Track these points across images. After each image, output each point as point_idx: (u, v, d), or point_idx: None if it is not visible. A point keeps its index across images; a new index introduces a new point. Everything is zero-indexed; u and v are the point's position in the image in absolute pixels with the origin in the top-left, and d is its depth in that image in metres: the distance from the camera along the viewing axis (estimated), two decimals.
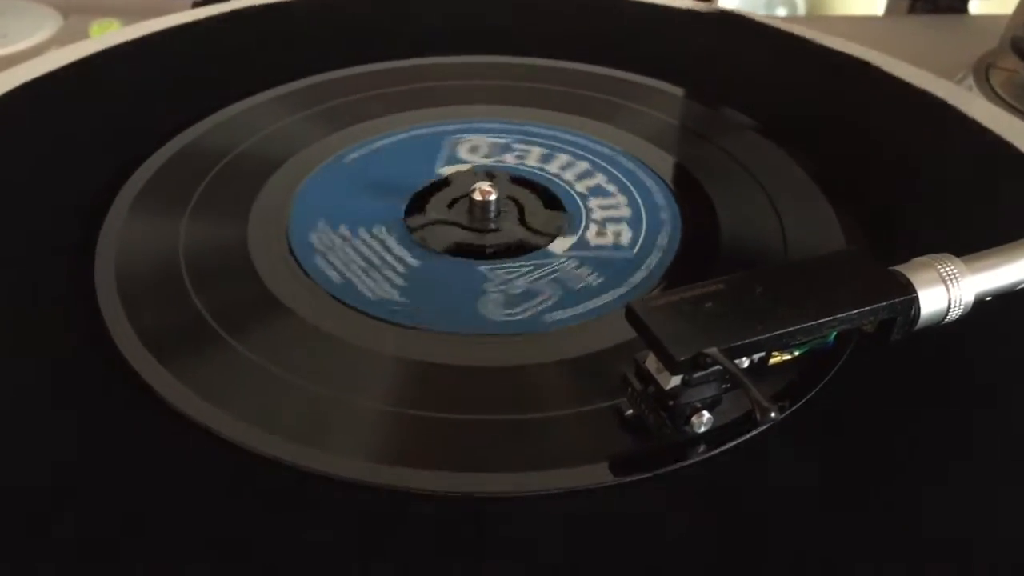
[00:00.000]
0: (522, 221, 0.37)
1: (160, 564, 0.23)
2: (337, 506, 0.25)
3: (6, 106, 0.42)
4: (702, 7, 0.56)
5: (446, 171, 0.40)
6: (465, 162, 0.41)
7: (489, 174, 0.39)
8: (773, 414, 0.23)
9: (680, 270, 0.35)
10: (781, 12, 1.13)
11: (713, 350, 0.24)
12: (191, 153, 0.40)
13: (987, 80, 0.51)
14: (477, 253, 0.35)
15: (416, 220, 0.37)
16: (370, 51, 0.49)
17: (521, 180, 0.39)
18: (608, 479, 0.26)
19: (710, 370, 0.25)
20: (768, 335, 0.25)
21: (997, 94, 0.50)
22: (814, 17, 0.81)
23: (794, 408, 0.28)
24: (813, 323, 0.26)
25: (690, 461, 0.26)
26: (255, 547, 0.24)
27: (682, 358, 0.24)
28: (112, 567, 0.23)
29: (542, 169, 0.40)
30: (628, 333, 0.26)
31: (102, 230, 0.35)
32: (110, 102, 0.43)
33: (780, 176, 0.40)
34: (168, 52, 0.48)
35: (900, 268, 0.28)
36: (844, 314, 0.26)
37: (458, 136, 0.43)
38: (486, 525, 0.25)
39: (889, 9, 0.98)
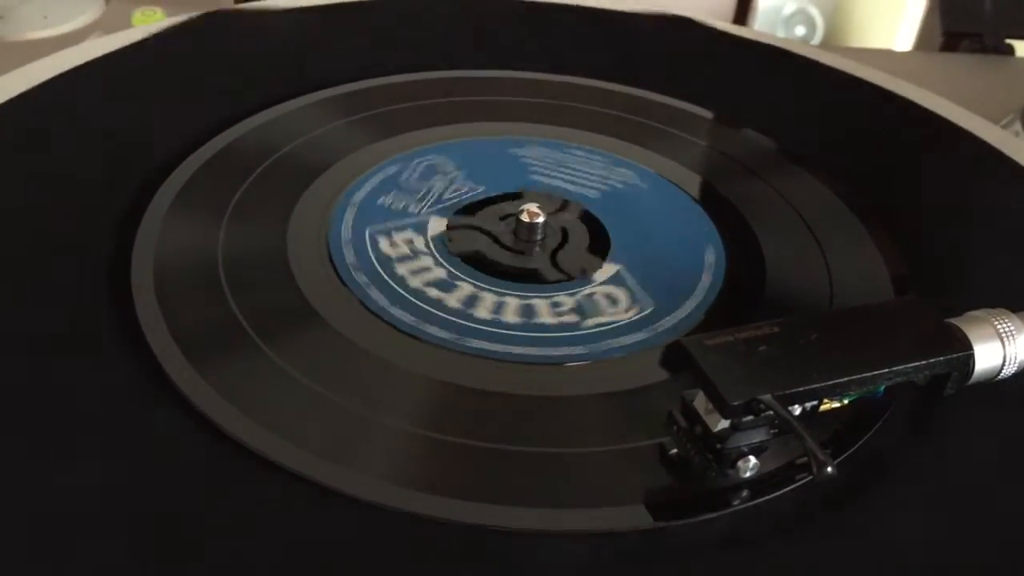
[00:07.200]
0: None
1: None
2: (353, 526, 0.25)
3: (47, 95, 0.41)
4: (749, 34, 0.55)
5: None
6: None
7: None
8: (830, 468, 0.22)
9: (724, 306, 0.34)
10: (800, 31, 1.13)
11: (768, 397, 0.24)
12: (234, 153, 0.39)
13: None
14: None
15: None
16: (426, 59, 0.48)
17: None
18: (648, 523, 0.25)
19: (761, 416, 0.24)
20: (823, 383, 0.25)
21: None
22: (857, 50, 0.80)
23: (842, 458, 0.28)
24: (868, 374, 0.25)
25: (734, 507, 0.26)
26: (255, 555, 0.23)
27: (736, 403, 0.24)
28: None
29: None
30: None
31: (139, 229, 0.34)
32: (152, 96, 0.43)
33: (828, 217, 0.39)
34: (212, 48, 0.48)
35: (955, 321, 0.28)
36: (900, 367, 0.25)
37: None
38: (508, 561, 0.24)
39: (918, 45, 0.97)
